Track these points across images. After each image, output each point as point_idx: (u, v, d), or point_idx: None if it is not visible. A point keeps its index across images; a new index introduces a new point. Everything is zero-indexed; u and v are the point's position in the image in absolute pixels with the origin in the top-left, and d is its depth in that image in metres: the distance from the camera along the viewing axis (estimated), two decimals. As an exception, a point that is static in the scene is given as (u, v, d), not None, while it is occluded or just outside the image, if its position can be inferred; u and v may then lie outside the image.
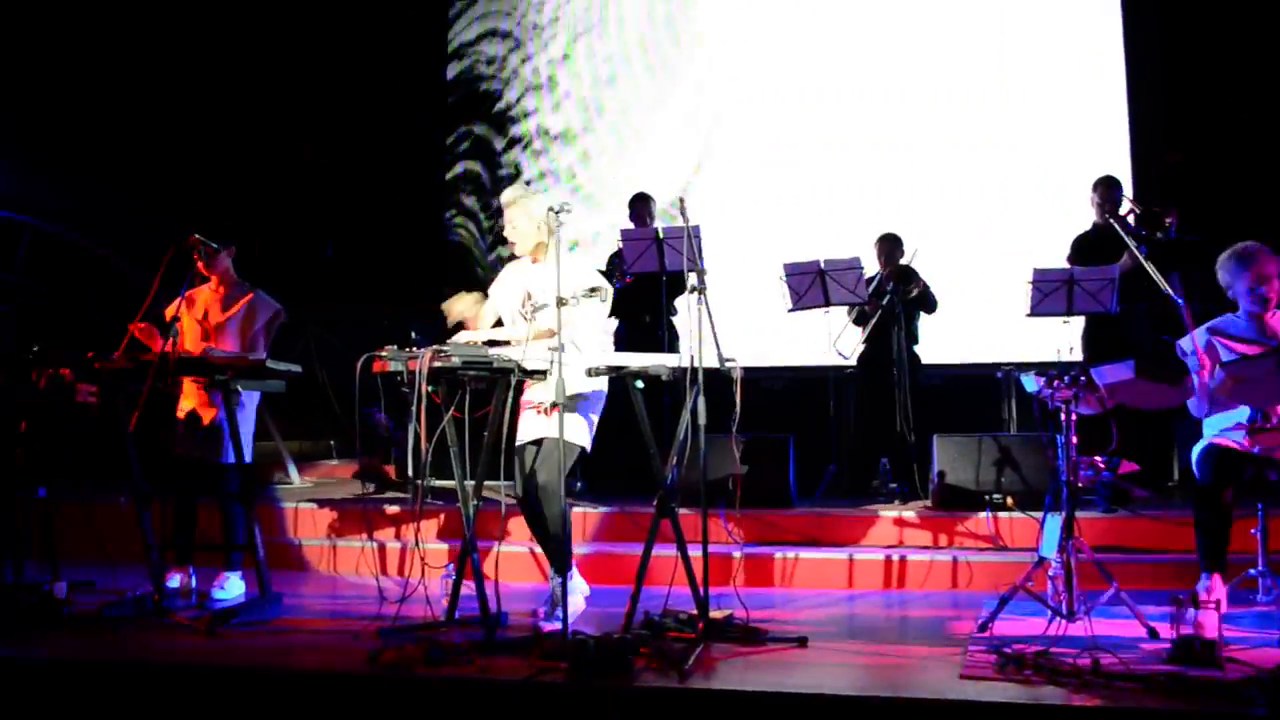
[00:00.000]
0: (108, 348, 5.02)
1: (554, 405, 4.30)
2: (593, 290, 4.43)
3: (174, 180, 8.73)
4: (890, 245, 6.99)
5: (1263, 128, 7.66)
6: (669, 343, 6.83)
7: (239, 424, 5.16)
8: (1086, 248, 6.54)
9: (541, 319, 4.44)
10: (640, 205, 7.21)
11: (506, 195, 4.80)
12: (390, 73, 9.28)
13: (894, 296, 6.72)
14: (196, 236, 5.29)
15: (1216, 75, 7.77)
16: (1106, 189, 6.54)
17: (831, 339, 6.77)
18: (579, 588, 4.82)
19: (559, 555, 4.53)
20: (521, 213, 4.70)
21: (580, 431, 4.61)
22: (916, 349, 6.98)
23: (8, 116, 8.25)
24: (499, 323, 4.93)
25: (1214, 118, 7.77)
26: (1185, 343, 4.64)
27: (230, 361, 5.03)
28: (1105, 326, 6.32)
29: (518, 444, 4.68)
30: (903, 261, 6.87)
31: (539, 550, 5.56)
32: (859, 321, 7.00)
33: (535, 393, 4.60)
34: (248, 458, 5.36)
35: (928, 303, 6.88)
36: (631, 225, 7.08)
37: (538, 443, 4.60)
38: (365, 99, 9.23)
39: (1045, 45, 8.23)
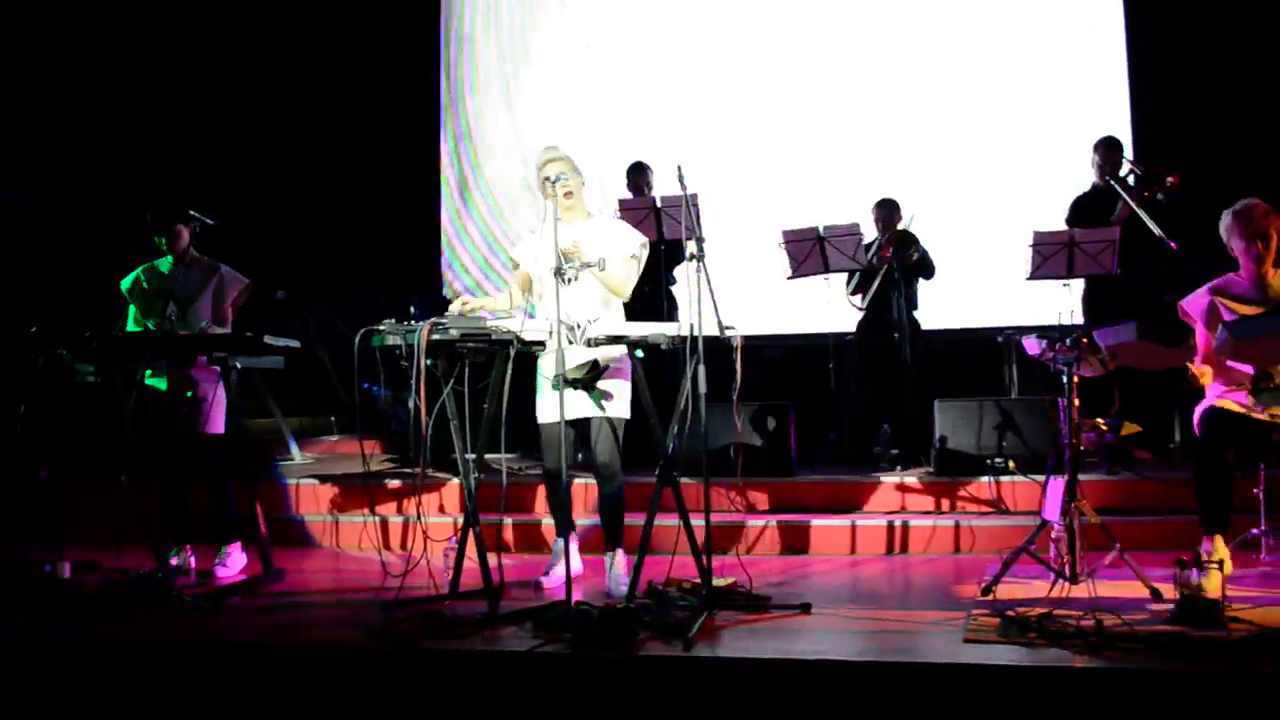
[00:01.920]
0: (105, 326, 5.00)
1: (590, 377, 4.38)
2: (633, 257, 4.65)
3: (172, 160, 8.69)
4: (888, 210, 6.97)
5: (1262, 90, 7.61)
6: (668, 312, 6.81)
7: (216, 398, 5.19)
8: (1085, 209, 6.52)
9: (586, 277, 4.48)
10: (638, 174, 7.17)
11: (548, 154, 4.74)
12: (386, 52, 9.21)
13: (893, 261, 6.69)
14: (191, 212, 5.27)
15: (1216, 37, 7.71)
16: (1107, 150, 6.51)
17: (831, 305, 6.75)
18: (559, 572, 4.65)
19: (616, 530, 4.71)
20: (567, 168, 4.69)
21: (626, 402, 4.65)
22: (916, 314, 6.97)
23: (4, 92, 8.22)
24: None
25: (1213, 80, 7.71)
26: (1186, 302, 4.62)
27: (229, 338, 5.02)
28: (1105, 288, 6.30)
29: (549, 420, 4.67)
30: (900, 226, 6.84)
31: (547, 521, 5.59)
32: (856, 290, 6.97)
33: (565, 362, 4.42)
34: (222, 429, 5.35)
35: (926, 268, 6.86)
36: (629, 194, 7.04)
37: (576, 422, 4.61)
38: (361, 79, 9.16)
39: (1045, 7, 8.15)
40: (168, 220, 5.32)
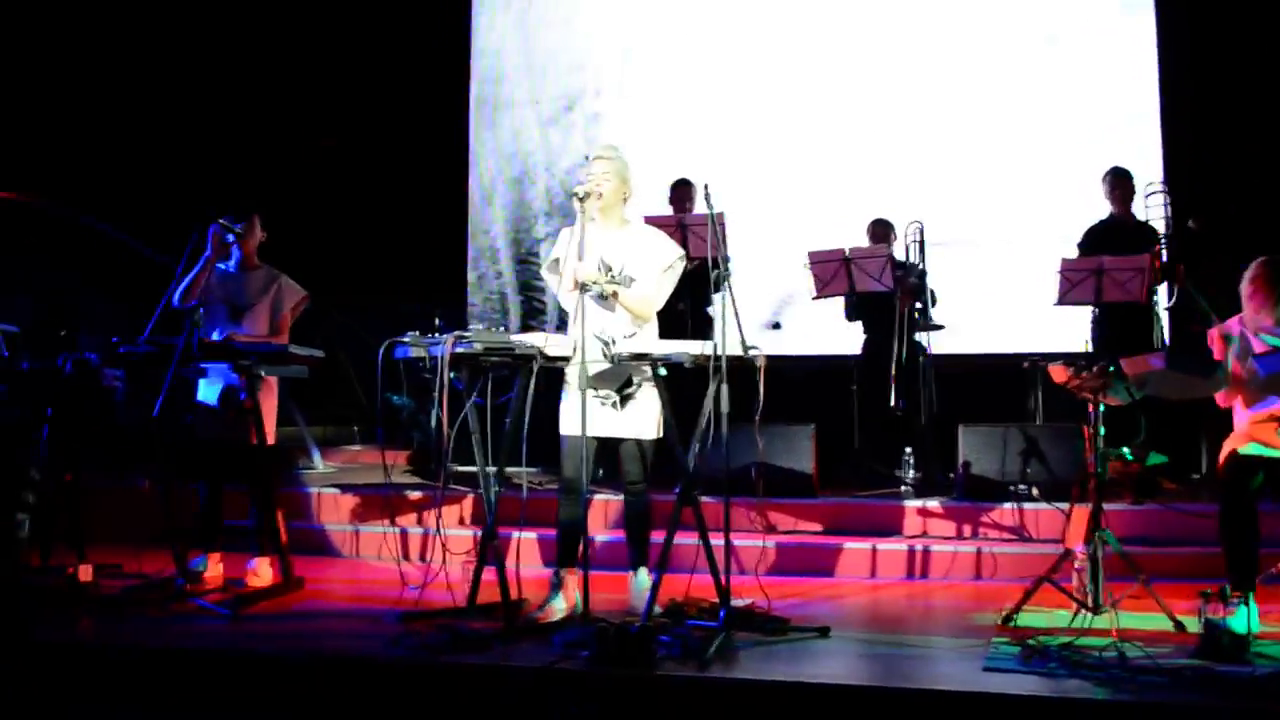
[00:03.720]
0: (132, 332, 5.04)
1: (621, 393, 4.36)
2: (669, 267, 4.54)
3: (199, 168, 8.76)
4: (884, 229, 6.93)
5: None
6: (702, 330, 6.77)
7: (266, 408, 5.20)
8: (1098, 238, 6.49)
9: (625, 294, 4.42)
10: (681, 190, 7.13)
11: (598, 150, 4.63)
12: (414, 58, 9.26)
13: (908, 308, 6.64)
14: (222, 220, 5.30)
15: (1249, 63, 7.65)
16: (1116, 179, 6.50)
17: (855, 326, 6.72)
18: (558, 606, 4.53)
19: (642, 548, 4.64)
20: (612, 169, 4.53)
21: (656, 422, 4.54)
22: (919, 337, 6.90)
23: (30, 100, 8.32)
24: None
25: (1246, 107, 7.66)
26: (1215, 331, 4.58)
27: (253, 347, 5.05)
28: (1116, 317, 6.24)
29: (571, 432, 4.46)
30: (902, 244, 6.78)
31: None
32: (854, 317, 6.93)
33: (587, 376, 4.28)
34: (270, 440, 5.39)
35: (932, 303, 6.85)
36: (670, 209, 7.02)
37: (605, 439, 4.52)
38: (389, 86, 9.22)
39: (1075, 33, 8.12)
40: (202, 225, 5.36)
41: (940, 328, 6.75)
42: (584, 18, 9.06)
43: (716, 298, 6.79)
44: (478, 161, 9.29)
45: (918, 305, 6.64)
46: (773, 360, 4.43)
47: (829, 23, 8.56)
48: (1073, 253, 6.39)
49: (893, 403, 6.49)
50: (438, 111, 9.28)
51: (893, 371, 6.50)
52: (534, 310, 8.87)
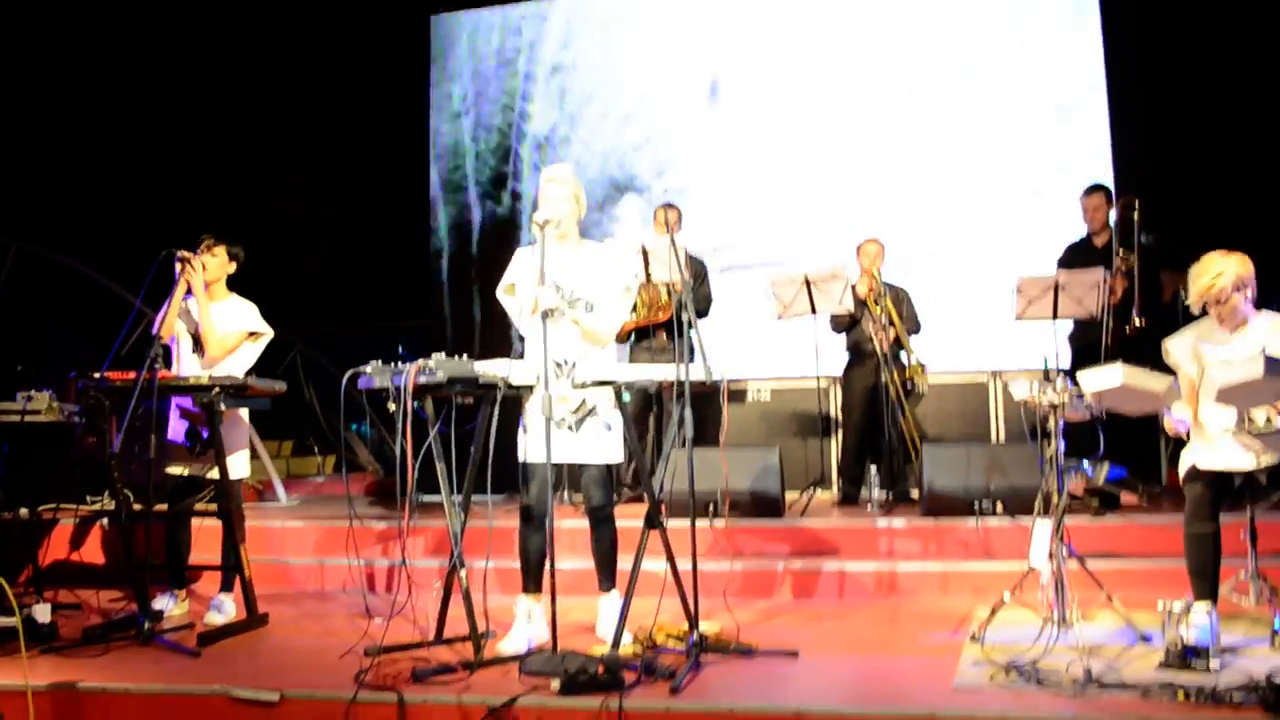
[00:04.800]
0: (91, 366, 4.98)
1: (578, 419, 4.35)
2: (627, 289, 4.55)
3: (161, 200, 8.70)
4: (875, 249, 6.98)
5: (1239, 127, 7.71)
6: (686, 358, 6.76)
7: (231, 440, 5.16)
8: (1074, 255, 6.56)
9: (586, 320, 4.42)
10: (666, 213, 7.11)
11: (550, 173, 4.60)
12: (378, 91, 9.32)
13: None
14: (181, 252, 5.24)
15: (1194, 75, 7.83)
16: (1089, 197, 6.57)
17: (819, 348, 6.76)
18: (526, 636, 4.50)
19: (609, 574, 4.62)
20: (567, 192, 4.54)
21: (618, 445, 4.54)
22: (901, 355, 6.96)
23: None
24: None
25: (1191, 118, 7.83)
26: (1170, 344, 4.62)
27: (214, 380, 4.99)
28: (1090, 331, 6.31)
29: (533, 460, 4.47)
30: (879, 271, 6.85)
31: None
32: (839, 330, 6.98)
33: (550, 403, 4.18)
34: (245, 472, 5.34)
35: (915, 329, 6.90)
36: (651, 231, 7.01)
37: (560, 465, 4.50)
38: (353, 118, 9.26)
39: (1027, 53, 8.28)
40: (170, 256, 5.30)
41: (923, 367, 6.77)
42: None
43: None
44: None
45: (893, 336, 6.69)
46: (738, 383, 4.44)
47: (792, 44, 8.66)
48: (1039, 268, 6.44)
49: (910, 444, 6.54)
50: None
51: (905, 414, 6.55)
52: (464, 337, 9.72)
